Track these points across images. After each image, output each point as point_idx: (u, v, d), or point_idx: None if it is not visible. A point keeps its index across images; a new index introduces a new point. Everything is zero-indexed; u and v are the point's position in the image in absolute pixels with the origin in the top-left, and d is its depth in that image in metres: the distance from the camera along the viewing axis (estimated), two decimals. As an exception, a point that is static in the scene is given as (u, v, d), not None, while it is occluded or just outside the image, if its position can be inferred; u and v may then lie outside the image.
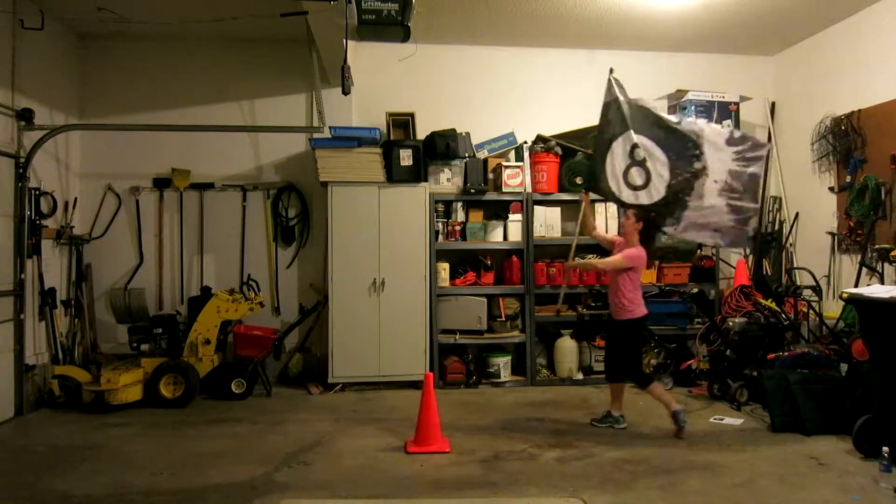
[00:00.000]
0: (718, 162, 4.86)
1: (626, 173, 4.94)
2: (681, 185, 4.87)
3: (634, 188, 4.93)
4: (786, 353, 5.30)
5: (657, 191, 4.90)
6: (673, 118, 5.09)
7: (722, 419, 5.10)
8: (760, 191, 5.04)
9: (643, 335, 5.17)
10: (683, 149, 4.90)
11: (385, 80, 6.80)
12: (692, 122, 5.03)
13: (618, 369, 4.96)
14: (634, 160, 4.92)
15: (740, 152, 4.88)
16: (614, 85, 5.04)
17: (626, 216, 4.96)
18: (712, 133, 4.90)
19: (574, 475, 3.93)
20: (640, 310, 4.88)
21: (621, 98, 5.02)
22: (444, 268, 6.34)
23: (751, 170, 4.85)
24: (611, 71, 5.11)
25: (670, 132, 4.94)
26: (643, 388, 4.85)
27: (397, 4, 4.29)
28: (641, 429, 4.89)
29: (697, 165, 4.86)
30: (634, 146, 4.93)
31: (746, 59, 7.23)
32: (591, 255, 6.47)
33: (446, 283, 6.33)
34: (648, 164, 4.90)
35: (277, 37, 6.45)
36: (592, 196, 5.30)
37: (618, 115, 4.99)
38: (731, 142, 4.89)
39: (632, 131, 4.94)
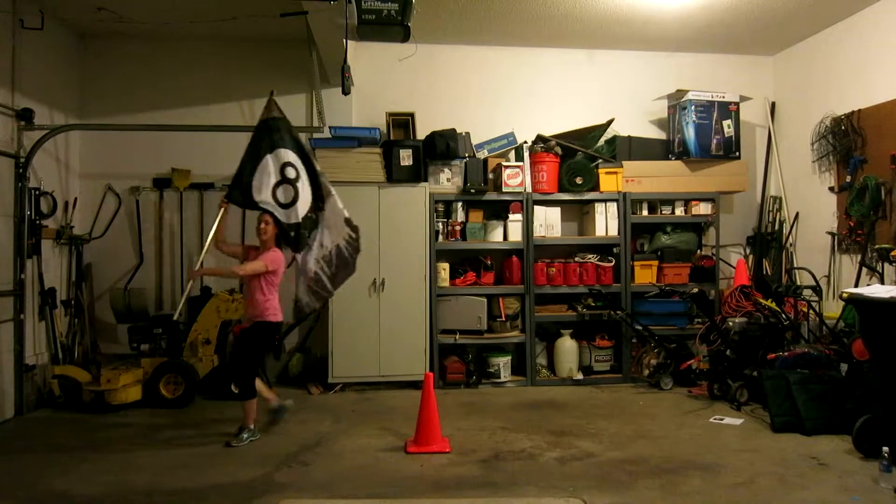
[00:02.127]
0: (335, 229, 4.98)
1: (274, 189, 4.79)
2: (311, 222, 4.91)
3: (281, 205, 4.79)
4: (786, 353, 5.30)
5: (296, 214, 4.83)
6: (317, 166, 5.05)
7: (722, 419, 5.10)
8: (342, 283, 5.11)
9: (271, 341, 5.04)
10: (317, 190, 4.97)
11: (385, 80, 6.80)
12: (327, 177, 5.07)
13: (241, 374, 4.73)
14: (285, 178, 4.82)
15: (353, 238, 4.99)
16: (274, 105, 4.97)
17: (264, 222, 4.77)
18: (336, 203, 4.99)
19: (574, 475, 3.93)
20: (277, 315, 4.72)
21: (279, 117, 4.95)
22: (444, 268, 6.34)
23: (350, 259, 5.00)
24: (271, 93, 5.08)
25: (313, 172, 4.99)
26: (243, 400, 4.63)
27: (397, 4, 4.30)
28: (642, 429, 4.89)
29: (319, 214, 4.96)
30: (287, 164, 4.85)
31: (746, 59, 7.23)
32: (590, 256, 6.49)
33: (446, 283, 6.33)
34: (298, 184, 4.85)
35: (277, 37, 6.45)
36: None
37: (273, 133, 4.88)
38: (348, 223, 5.00)
39: (287, 150, 4.87)
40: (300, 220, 4.84)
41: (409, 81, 6.81)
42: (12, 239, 5.46)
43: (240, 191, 4.79)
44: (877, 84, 5.77)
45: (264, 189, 4.77)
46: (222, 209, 4.85)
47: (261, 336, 4.73)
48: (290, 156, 4.89)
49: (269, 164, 4.82)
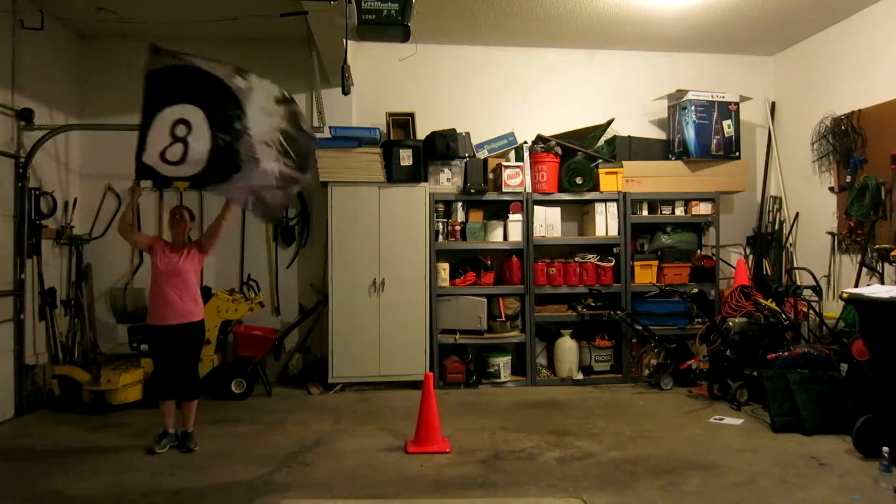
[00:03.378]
0: (266, 123, 4.33)
1: (163, 153, 4.20)
2: (225, 150, 4.23)
3: (172, 164, 4.20)
4: (786, 353, 5.29)
5: (196, 163, 4.20)
6: (225, 72, 4.35)
7: (722, 419, 5.10)
8: (312, 162, 4.59)
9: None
10: (226, 109, 4.27)
11: (385, 80, 6.80)
12: (241, 81, 4.38)
13: (195, 379, 4.69)
14: (175, 137, 4.21)
15: (293, 114, 4.41)
16: (163, 53, 4.29)
17: (180, 214, 4.63)
18: (262, 88, 4.39)
19: (574, 475, 3.93)
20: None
21: (172, 64, 4.27)
22: (444, 268, 6.34)
23: (303, 137, 4.41)
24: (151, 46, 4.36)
25: (218, 90, 4.29)
26: (194, 400, 4.62)
27: (397, 4, 4.29)
28: (642, 429, 4.89)
29: (238, 126, 4.25)
30: (178, 121, 4.22)
31: (746, 59, 7.22)
32: (590, 256, 6.49)
33: (446, 283, 6.33)
34: (189, 138, 4.21)
35: (277, 37, 6.45)
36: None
37: (162, 87, 4.25)
38: (280, 101, 4.40)
39: (176, 106, 4.23)
40: (199, 171, 4.21)
41: (409, 81, 6.80)
42: (12, 239, 5.46)
43: (139, 165, 4.19)
44: (877, 84, 5.77)
45: (156, 155, 4.18)
46: (136, 194, 4.55)
47: (199, 338, 4.70)
48: (179, 110, 4.22)
49: (159, 127, 4.21)
